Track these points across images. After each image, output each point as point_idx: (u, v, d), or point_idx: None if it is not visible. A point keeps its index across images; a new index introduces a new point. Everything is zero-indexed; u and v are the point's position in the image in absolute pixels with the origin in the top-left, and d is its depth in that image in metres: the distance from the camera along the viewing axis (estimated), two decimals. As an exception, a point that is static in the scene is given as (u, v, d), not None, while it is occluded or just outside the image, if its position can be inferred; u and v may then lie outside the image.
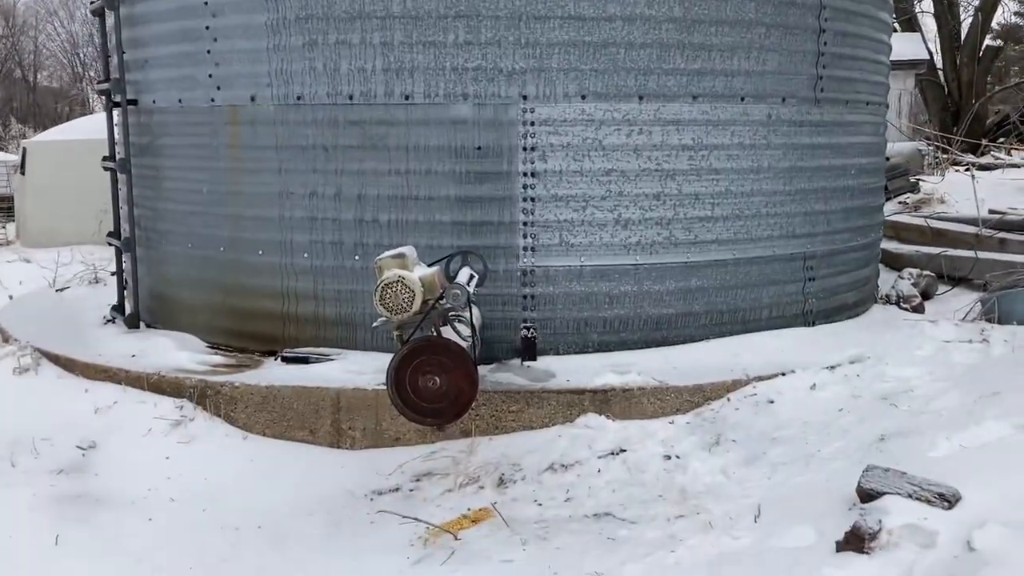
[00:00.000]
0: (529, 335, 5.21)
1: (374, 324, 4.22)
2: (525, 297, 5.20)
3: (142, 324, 6.39)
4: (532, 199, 5.12)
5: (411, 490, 4.60)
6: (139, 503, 4.44)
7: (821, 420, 4.76)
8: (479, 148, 5.10)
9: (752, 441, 4.60)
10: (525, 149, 5.10)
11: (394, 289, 3.96)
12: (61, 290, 8.06)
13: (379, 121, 5.18)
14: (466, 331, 4.10)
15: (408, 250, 4.10)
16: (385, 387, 4.13)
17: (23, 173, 12.66)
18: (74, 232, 11.46)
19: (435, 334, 4.09)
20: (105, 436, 4.96)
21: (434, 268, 4.16)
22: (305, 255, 5.40)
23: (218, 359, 5.59)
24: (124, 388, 5.36)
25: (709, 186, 5.31)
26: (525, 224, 5.14)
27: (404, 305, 3.97)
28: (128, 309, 6.39)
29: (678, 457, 4.53)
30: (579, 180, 5.13)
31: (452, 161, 5.12)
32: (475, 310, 4.99)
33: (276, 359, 5.45)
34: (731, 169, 5.37)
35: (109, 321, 6.55)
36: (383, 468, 4.76)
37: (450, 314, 4.20)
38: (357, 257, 5.28)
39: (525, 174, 5.10)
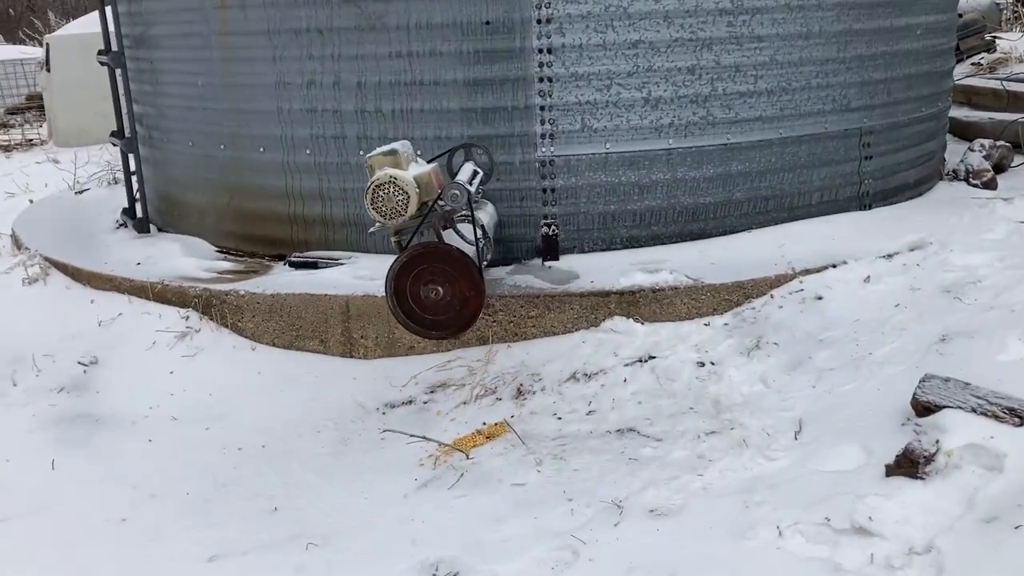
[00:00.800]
0: (550, 232, 4.77)
1: (370, 230, 3.83)
2: (545, 191, 4.74)
3: (152, 228, 6.12)
4: (549, 79, 4.58)
5: (425, 402, 4.30)
6: (140, 423, 4.23)
7: (875, 318, 4.28)
8: (487, 23, 4.54)
9: (796, 344, 4.16)
10: (539, 22, 4.53)
11: (386, 191, 3.54)
12: (80, 192, 7.83)
13: (377, -3, 4.65)
14: (474, 234, 3.68)
15: (401, 145, 3.65)
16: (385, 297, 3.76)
17: (48, 70, 12.32)
18: (104, 130, 11.14)
19: (437, 239, 3.69)
20: (108, 351, 4.74)
21: (432, 165, 3.72)
22: (307, 151, 4.99)
23: (226, 265, 5.29)
24: (129, 299, 5.11)
25: (751, 56, 4.69)
26: (542, 108, 4.62)
27: (398, 208, 3.56)
28: (138, 213, 6.11)
29: (713, 364, 4.12)
30: (602, 55, 4.56)
31: (458, 40, 4.58)
32: (488, 208, 4.56)
33: (285, 264, 5.13)
34: (776, 35, 4.73)
35: (121, 226, 6.29)
36: (396, 379, 4.46)
37: (455, 216, 3.77)
38: (361, 152, 4.83)
39: (540, 51, 4.55)
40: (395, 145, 3.63)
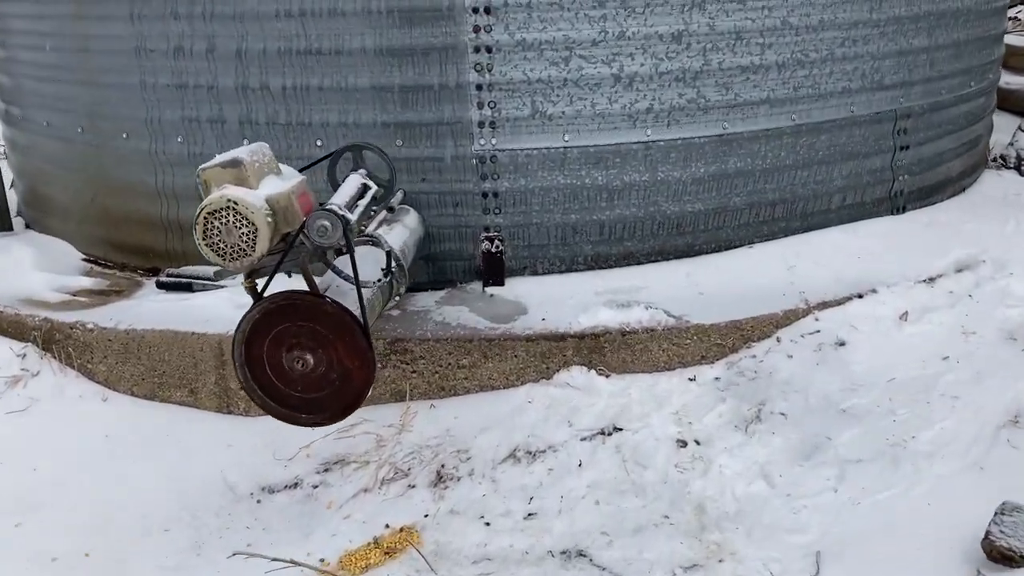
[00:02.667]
0: (493, 249, 3.65)
1: (214, 270, 2.71)
2: (485, 195, 3.61)
3: (20, 223, 4.98)
4: (488, 48, 3.43)
5: (315, 486, 3.22)
6: (-70, 516, 3.15)
7: (916, 376, 3.20)
8: (402, -28, 3.38)
9: (810, 415, 3.09)
10: (473, -29, 3.36)
11: (224, 220, 2.42)
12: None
13: (258, -64, 3.47)
14: (355, 282, 2.56)
15: (250, 152, 2.51)
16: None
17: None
18: None
19: (307, 285, 2.57)
20: (-85, 402, 3.65)
21: (296, 180, 2.58)
22: (179, 139, 3.85)
23: (86, 283, 4.17)
24: (-41, 326, 4.01)
25: (757, 19, 3.53)
26: (479, 88, 3.47)
27: (241, 246, 2.44)
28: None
29: (698, 443, 3.04)
30: (558, 16, 3.40)
31: (364, -5, 3.42)
32: (408, 219, 3.45)
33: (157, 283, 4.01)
34: (791, -10, 3.57)
35: (-16, 220, 5.14)
36: (283, 448, 3.36)
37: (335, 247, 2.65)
38: (245, 140, 3.70)
39: (475, 9, 3.39)
40: (240, 153, 2.49)
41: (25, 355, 3.80)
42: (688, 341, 3.37)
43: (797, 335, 3.43)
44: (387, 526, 2.95)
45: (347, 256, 3.02)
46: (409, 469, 3.17)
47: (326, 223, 2.41)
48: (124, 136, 3.99)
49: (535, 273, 3.73)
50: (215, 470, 3.33)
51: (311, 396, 2.64)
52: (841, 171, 3.93)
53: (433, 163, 3.56)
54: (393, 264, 3.14)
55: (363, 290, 2.74)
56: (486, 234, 3.65)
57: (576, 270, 3.73)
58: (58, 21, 4.06)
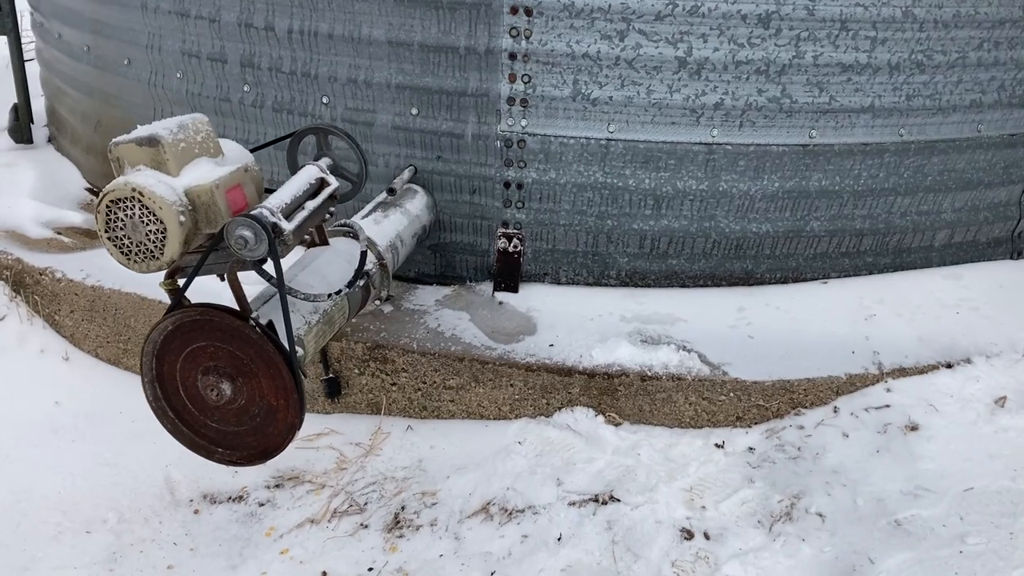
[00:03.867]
0: (510, 248, 3.09)
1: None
2: (508, 184, 3.03)
3: (43, 138, 4.65)
4: (528, 10, 2.80)
5: (261, 504, 2.80)
6: None
7: (1001, 490, 2.53)
8: (431, -93, 2.76)
9: (856, 522, 2.46)
10: (518, -87, 2.72)
11: (128, 213, 1.93)
12: None
13: None
14: (283, 311, 2.03)
15: (175, 128, 2.00)
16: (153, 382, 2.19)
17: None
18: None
19: (236, 299, 2.07)
20: None
21: (236, 166, 2.06)
22: (179, 74, 3.37)
23: (76, 219, 3.79)
24: (-60, 251, 3.70)
25: (871, 6, 2.79)
26: (513, 56, 2.86)
27: (148, 247, 1.95)
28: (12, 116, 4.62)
29: (707, 537, 2.47)
30: (618, -21, 2.74)
31: (385, -71, 2.82)
32: (415, 203, 2.93)
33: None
34: (922, -27, 2.80)
35: (8, 129, 4.83)
36: (238, 449, 2.94)
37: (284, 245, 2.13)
38: (247, 88, 3.20)
39: (517, -38, 2.75)
40: (160, 128, 1.98)
41: (-5, 296, 3.48)
42: (723, 398, 2.77)
43: (860, 407, 2.79)
44: (324, 574, 2.50)
45: (319, 248, 2.52)
46: (366, 504, 2.71)
47: (246, 234, 1.89)
48: (126, 62, 3.54)
49: (556, 281, 3.15)
50: (159, 463, 2.94)
51: (229, 429, 2.17)
52: (953, 202, 3.19)
53: (451, 140, 2.99)
54: (372, 264, 2.62)
55: (322, 302, 2.24)
56: (504, 230, 3.08)
57: (606, 284, 3.14)
58: (66, -77, 3.60)
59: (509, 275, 3.11)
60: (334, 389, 2.95)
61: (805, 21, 2.77)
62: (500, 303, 3.08)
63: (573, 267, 3.12)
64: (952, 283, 3.22)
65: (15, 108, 4.70)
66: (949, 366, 2.87)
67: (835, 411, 2.78)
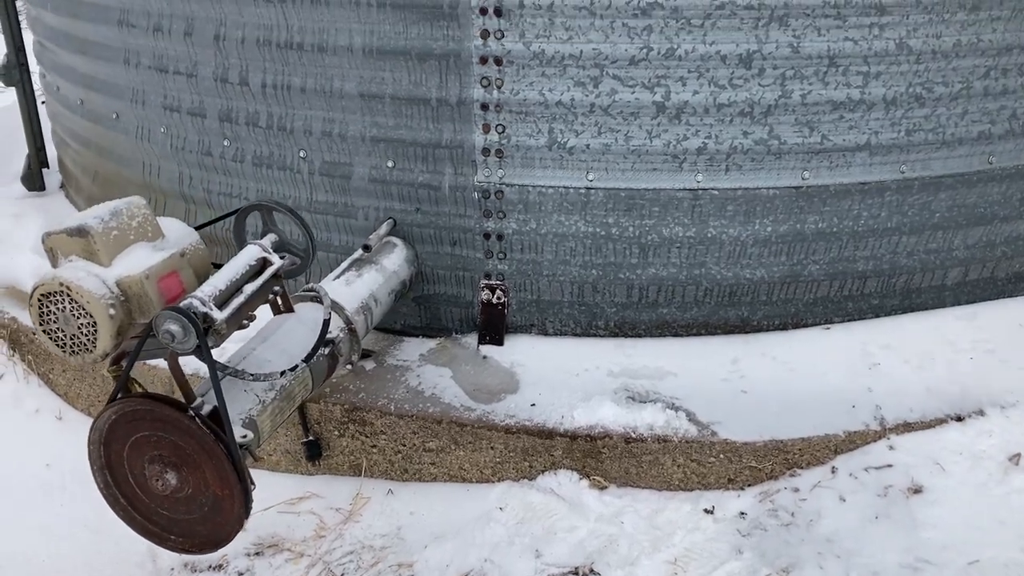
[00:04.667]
0: (493, 300, 2.99)
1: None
2: (488, 236, 2.93)
3: (55, 184, 4.70)
4: (498, 60, 2.70)
5: (240, 574, 2.74)
6: None
7: (1009, 562, 2.35)
8: (392, -41, 2.67)
9: (850, 599, 2.31)
10: (481, -41, 2.62)
11: (59, 307, 1.89)
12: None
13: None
14: (216, 391, 1.96)
15: (106, 216, 1.95)
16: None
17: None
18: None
19: (178, 386, 2.02)
20: None
21: (171, 252, 2.00)
22: (162, 129, 3.35)
23: (74, 271, 3.79)
24: (-55, 308, 3.74)
25: (862, 40, 2.62)
26: (485, 107, 2.76)
27: (81, 339, 1.91)
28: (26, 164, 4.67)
29: (689, 615, 2.34)
30: (588, 25, 2.62)
31: (348, -18, 2.75)
32: (394, 257, 2.88)
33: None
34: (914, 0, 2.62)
35: (22, 177, 4.89)
36: (221, 513, 2.90)
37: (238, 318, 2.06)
38: (226, 142, 3.16)
39: (484, 10, 2.65)
40: (89, 218, 1.93)
41: (-6, 354, 3.50)
42: (712, 460, 2.63)
43: (860, 467, 2.62)
44: (295, 653, 2.44)
45: (282, 316, 2.46)
46: (343, 575, 2.64)
47: (173, 328, 1.83)
48: (114, 116, 3.54)
49: (544, 332, 3.05)
50: (143, 529, 2.91)
51: (180, 517, 2.11)
52: (965, 239, 2.99)
53: (429, 191, 2.91)
54: (339, 330, 2.55)
55: (280, 379, 2.17)
56: (487, 282, 2.99)
57: (595, 334, 3.02)
58: (53, -20, 3.61)
59: (494, 327, 3.01)
60: (315, 452, 2.88)
61: (790, 59, 2.61)
62: (484, 357, 2.99)
63: (560, 318, 3.01)
64: (965, 324, 3.02)
65: (28, 157, 4.76)
66: (959, 419, 2.69)
67: (833, 471, 2.63)
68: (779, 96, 2.66)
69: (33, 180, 4.62)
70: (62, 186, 4.70)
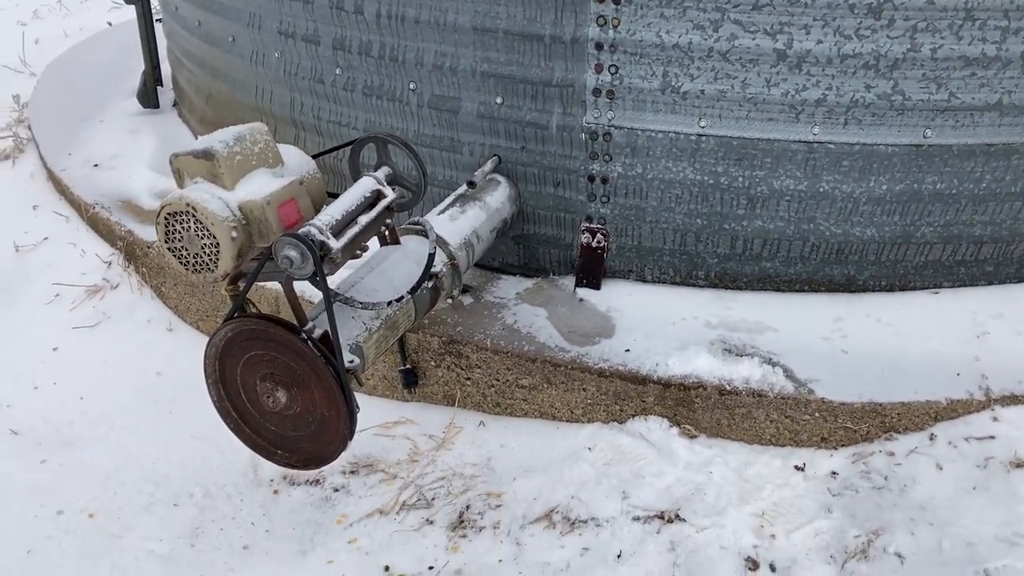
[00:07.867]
0: (593, 243, 2.99)
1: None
2: (592, 178, 2.92)
3: (169, 103, 4.84)
4: (616, -2, 2.65)
5: (336, 489, 2.87)
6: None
7: (1116, 544, 2.28)
8: None
9: (941, 568, 2.29)
10: None
11: (185, 225, 1.97)
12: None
13: None
14: (331, 327, 2.02)
15: (231, 141, 2.00)
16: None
17: None
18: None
19: (292, 309, 2.09)
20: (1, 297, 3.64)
21: (291, 179, 2.06)
22: (277, 54, 3.40)
23: (186, 190, 3.93)
24: (67, 217, 3.95)
25: (1007, -11, 2.48)
26: (599, 46, 2.72)
27: (204, 259, 1.99)
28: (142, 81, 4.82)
29: (772, 569, 2.35)
30: (714, -35, 2.54)
31: (469, -86, 2.72)
32: (497, 194, 2.89)
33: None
34: (1069, -46, 2.46)
35: (137, 94, 5.05)
36: (319, 432, 3.02)
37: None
38: (338, 71, 3.20)
39: (605, -53, 2.59)
40: (215, 142, 1.99)
41: (110, 264, 3.67)
42: (806, 417, 2.61)
43: (960, 437, 2.57)
44: (387, 568, 2.55)
45: (389, 248, 2.51)
46: (434, 499, 2.73)
47: (292, 254, 1.89)
48: (230, 39, 3.61)
49: (642, 279, 3.04)
50: (246, 441, 3.06)
51: (287, 434, 2.21)
52: (1095, 208, 2.85)
53: (535, 130, 2.90)
54: (442, 265, 2.59)
55: (387, 308, 2.23)
56: (588, 225, 2.98)
57: (694, 284, 3.00)
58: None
59: (591, 271, 3.02)
60: (411, 380, 2.96)
61: (923, 10, 2.49)
62: (580, 300, 3.00)
63: (659, 265, 3.00)
64: (1086, 298, 2.90)
65: (144, 74, 4.90)
66: (1070, 395, 2.60)
67: (931, 439, 2.58)
68: (907, 49, 2.55)
69: (148, 97, 4.77)
70: (175, 104, 4.84)
